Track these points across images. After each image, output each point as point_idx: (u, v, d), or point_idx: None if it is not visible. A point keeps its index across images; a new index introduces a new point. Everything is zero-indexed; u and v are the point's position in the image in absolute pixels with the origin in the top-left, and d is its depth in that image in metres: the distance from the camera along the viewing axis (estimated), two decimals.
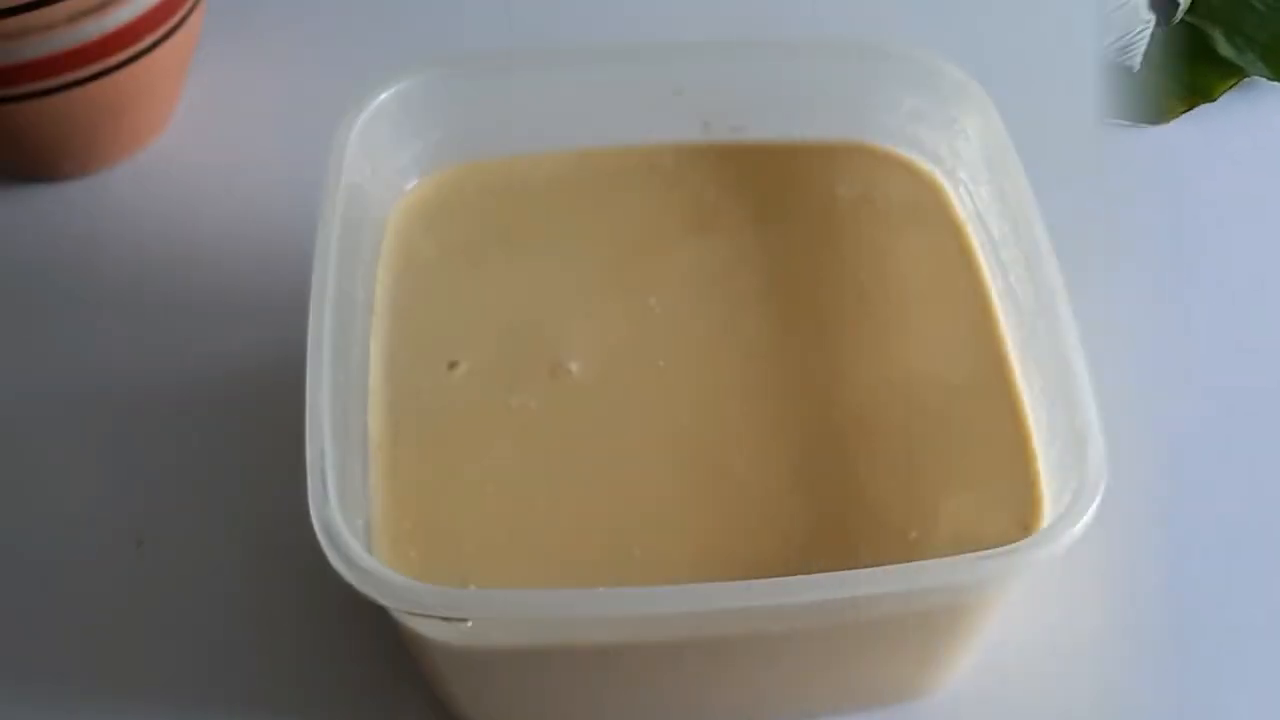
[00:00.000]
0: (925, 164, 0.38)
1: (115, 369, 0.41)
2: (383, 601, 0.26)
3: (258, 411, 0.39)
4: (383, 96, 0.35)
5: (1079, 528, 0.27)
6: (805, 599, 0.27)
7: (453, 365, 0.33)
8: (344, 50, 0.50)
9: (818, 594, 0.27)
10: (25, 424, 0.40)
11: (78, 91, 0.42)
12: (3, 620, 0.36)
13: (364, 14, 0.52)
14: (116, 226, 0.44)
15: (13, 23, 0.39)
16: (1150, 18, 0.48)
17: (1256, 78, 0.48)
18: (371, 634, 0.34)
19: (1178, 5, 0.50)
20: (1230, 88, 0.48)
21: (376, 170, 0.35)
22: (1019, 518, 0.30)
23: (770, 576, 0.27)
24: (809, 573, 0.27)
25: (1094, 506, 0.27)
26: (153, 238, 0.44)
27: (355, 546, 0.27)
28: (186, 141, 0.47)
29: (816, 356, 0.33)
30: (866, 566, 0.27)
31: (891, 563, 0.27)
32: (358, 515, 0.29)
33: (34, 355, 0.41)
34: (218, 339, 0.41)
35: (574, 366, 0.33)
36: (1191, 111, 0.48)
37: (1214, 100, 0.48)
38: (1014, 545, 0.27)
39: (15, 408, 0.40)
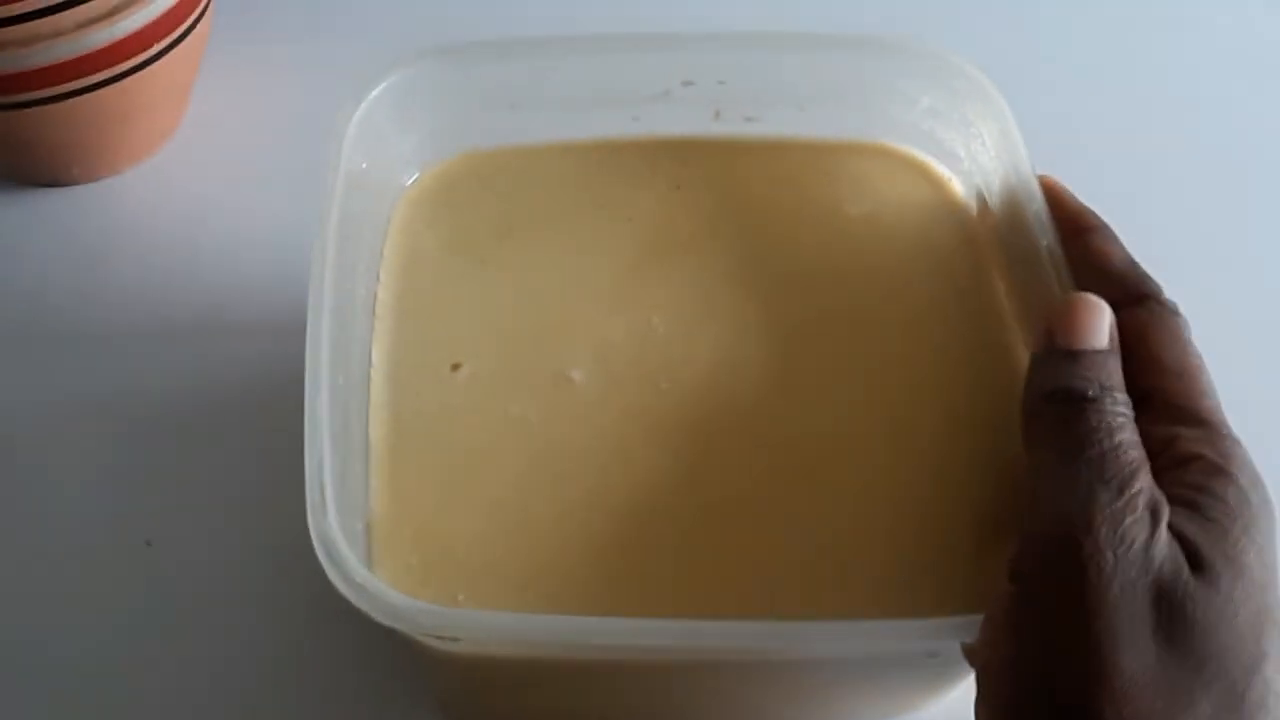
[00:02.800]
0: (938, 163, 0.37)
1: (124, 373, 0.41)
2: (378, 619, 0.26)
3: (265, 416, 0.39)
4: (382, 86, 0.34)
5: None
6: (794, 647, 0.26)
7: (455, 367, 0.33)
8: (352, 55, 0.50)
9: (806, 644, 0.26)
10: (37, 428, 0.40)
11: (87, 98, 0.42)
12: (17, 613, 0.36)
13: (372, 19, 0.52)
14: (125, 232, 0.45)
15: (22, 30, 0.39)
16: None
17: None
18: (373, 634, 0.34)
19: None
20: None
21: (377, 161, 0.34)
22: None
23: (771, 597, 0.26)
24: (811, 592, 0.27)
25: None
26: (162, 243, 0.44)
27: (352, 561, 0.26)
28: (195, 147, 0.47)
29: (819, 367, 0.33)
30: (867, 589, 0.27)
31: (897, 579, 0.26)
32: (358, 519, 0.29)
33: (44, 360, 0.41)
34: (227, 344, 0.41)
35: (576, 375, 0.33)
36: None
37: None
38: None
39: (27, 411, 0.40)
